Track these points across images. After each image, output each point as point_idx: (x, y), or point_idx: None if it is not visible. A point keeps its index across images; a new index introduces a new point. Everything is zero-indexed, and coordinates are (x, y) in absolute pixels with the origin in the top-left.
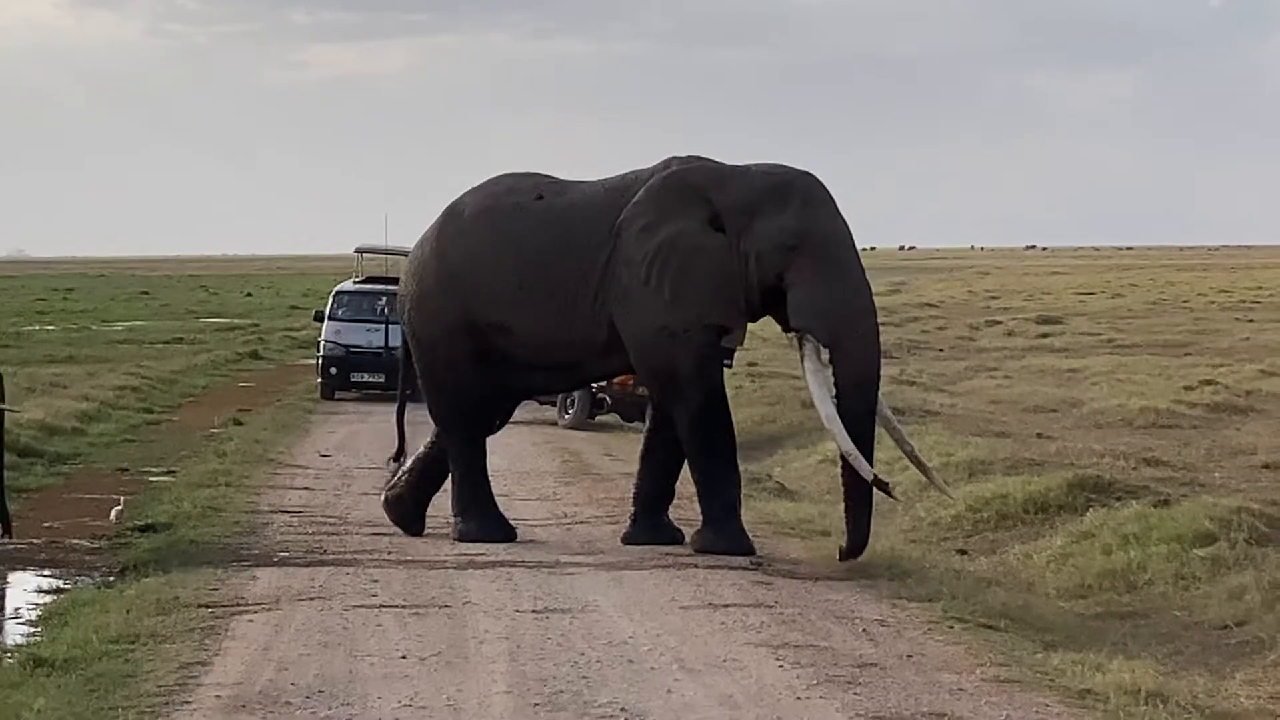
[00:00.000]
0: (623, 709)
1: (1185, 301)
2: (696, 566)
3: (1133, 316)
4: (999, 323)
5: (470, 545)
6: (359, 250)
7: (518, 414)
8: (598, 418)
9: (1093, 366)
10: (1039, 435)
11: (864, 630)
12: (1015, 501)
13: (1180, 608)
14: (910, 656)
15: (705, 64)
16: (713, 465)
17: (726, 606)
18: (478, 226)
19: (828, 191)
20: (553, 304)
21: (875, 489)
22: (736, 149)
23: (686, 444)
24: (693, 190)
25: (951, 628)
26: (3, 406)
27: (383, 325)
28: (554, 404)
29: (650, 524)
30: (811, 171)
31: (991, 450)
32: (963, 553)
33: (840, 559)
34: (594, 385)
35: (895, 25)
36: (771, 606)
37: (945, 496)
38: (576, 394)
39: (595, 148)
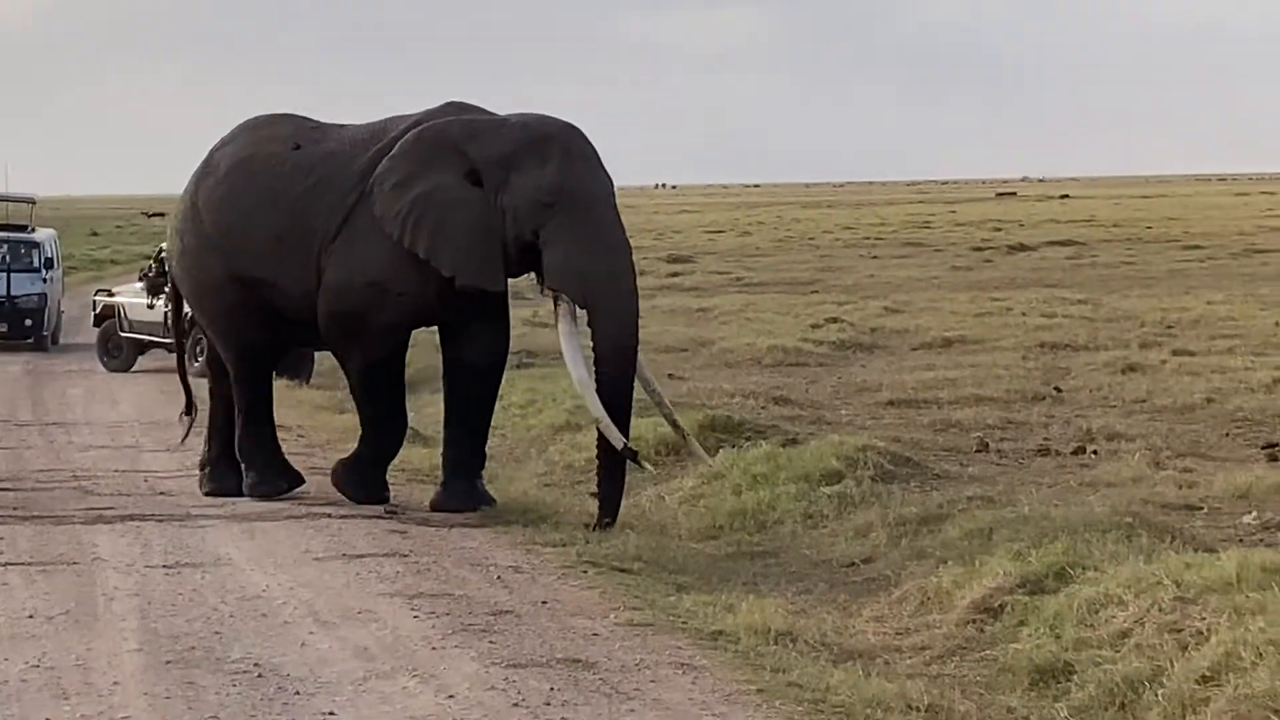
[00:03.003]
0: (256, 664)
1: (811, 239)
2: (330, 516)
3: (761, 254)
4: None
5: (98, 500)
6: None
7: (142, 361)
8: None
9: (722, 305)
10: (670, 376)
11: (499, 577)
12: (647, 444)
13: (809, 546)
14: (545, 603)
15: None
16: (377, 414)
17: (360, 557)
18: (233, 181)
19: (590, 146)
20: (308, 255)
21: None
22: (346, 91)
23: (355, 388)
24: (448, 144)
25: (585, 572)
26: None
27: (4, 274)
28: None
29: (466, 488)
30: (574, 124)
31: None
32: (595, 495)
33: (595, 528)
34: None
35: None
36: (406, 555)
37: (703, 462)
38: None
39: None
